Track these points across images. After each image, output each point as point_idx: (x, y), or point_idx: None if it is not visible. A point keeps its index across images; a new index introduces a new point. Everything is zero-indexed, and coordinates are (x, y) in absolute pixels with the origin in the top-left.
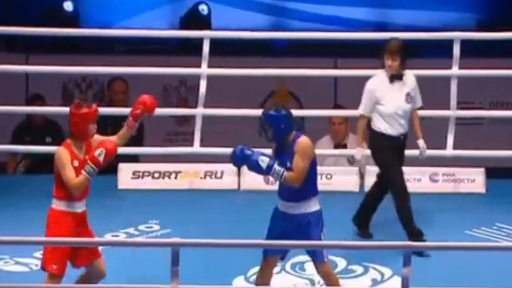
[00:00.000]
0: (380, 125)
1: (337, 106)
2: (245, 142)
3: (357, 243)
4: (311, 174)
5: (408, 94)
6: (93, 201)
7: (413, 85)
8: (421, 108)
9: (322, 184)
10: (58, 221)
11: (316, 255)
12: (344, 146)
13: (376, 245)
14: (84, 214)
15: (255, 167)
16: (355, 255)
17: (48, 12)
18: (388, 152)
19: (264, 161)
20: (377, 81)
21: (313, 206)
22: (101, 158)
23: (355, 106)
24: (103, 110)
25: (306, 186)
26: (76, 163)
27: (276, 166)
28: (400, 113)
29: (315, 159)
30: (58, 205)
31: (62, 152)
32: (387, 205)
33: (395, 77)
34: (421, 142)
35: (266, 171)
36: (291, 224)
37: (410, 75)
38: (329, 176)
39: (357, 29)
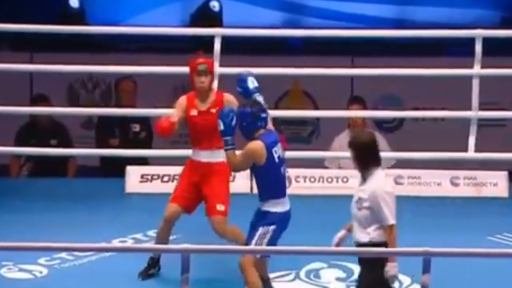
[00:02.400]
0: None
1: (355, 99)
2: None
3: (373, 249)
4: (268, 177)
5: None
6: (100, 205)
7: None
8: (442, 108)
9: (338, 187)
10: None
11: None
12: None
13: (393, 251)
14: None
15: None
16: None
17: (53, 9)
18: None
19: (227, 126)
20: None
21: (271, 207)
22: None
23: (372, 105)
24: (110, 111)
25: (265, 188)
26: (194, 112)
27: (229, 139)
28: None
29: (271, 164)
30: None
31: (179, 99)
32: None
33: None
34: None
35: (221, 134)
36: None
37: None
38: (345, 180)
39: (375, 27)
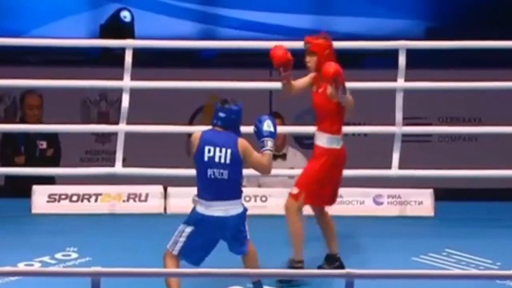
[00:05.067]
0: None
1: (274, 114)
2: (173, 161)
3: (297, 272)
4: (196, 171)
5: None
6: (5, 227)
7: None
8: (364, 124)
9: (257, 207)
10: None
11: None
12: (284, 156)
13: (317, 273)
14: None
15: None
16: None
17: None
18: None
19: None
20: None
21: (198, 205)
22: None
23: (290, 119)
24: (15, 127)
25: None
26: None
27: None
28: None
29: (199, 160)
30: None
31: None
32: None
33: None
34: None
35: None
36: None
37: None
38: (264, 199)
39: (293, 38)
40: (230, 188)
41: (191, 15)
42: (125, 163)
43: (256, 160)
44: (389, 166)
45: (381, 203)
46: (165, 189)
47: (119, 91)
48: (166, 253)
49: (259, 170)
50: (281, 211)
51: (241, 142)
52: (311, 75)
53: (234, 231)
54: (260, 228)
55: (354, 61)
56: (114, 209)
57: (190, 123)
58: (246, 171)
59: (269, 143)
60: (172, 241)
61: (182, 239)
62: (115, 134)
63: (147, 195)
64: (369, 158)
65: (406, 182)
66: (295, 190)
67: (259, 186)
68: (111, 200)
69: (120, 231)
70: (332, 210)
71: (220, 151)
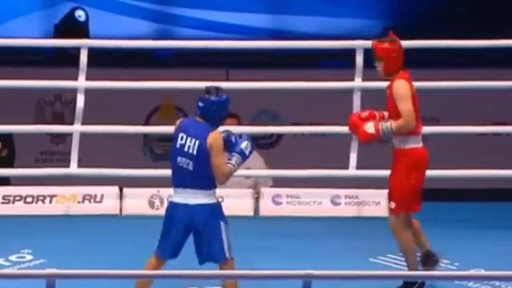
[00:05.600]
0: None
1: (232, 115)
2: (128, 162)
3: (254, 273)
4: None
5: None
6: None
7: None
8: (320, 123)
9: None
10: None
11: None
12: None
13: (273, 274)
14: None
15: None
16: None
17: None
18: None
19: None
20: None
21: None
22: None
23: (246, 119)
24: None
25: None
26: None
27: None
28: None
29: (173, 146)
30: None
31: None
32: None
33: None
34: None
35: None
36: None
37: None
38: (220, 199)
39: (251, 37)
40: (196, 179)
41: (146, 15)
42: (80, 164)
43: (218, 162)
44: (346, 167)
45: (339, 204)
46: (121, 190)
47: (74, 91)
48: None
49: (215, 173)
50: (239, 212)
51: (212, 136)
52: None
53: (205, 222)
54: None
55: (311, 61)
56: (69, 210)
57: (146, 123)
58: None
59: (237, 161)
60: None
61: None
62: (70, 135)
63: (102, 196)
64: (327, 158)
65: (364, 183)
66: (392, 205)
67: None
68: (66, 201)
69: (75, 233)
70: (288, 211)
71: (190, 141)
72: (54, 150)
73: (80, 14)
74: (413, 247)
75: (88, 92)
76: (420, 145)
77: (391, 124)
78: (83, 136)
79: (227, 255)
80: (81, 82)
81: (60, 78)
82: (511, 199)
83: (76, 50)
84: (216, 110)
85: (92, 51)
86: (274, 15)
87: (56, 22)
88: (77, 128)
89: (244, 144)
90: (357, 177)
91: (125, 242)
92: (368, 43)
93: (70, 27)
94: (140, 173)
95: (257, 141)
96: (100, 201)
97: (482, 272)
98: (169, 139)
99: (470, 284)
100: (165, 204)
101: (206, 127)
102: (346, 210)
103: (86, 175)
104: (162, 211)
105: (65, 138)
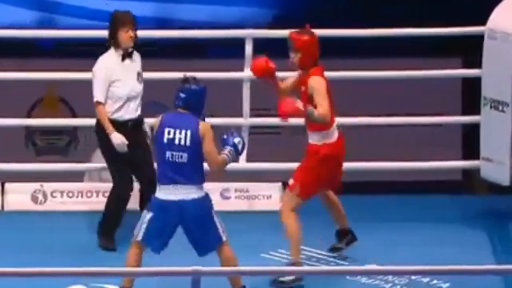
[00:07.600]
0: (111, 110)
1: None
2: (10, 156)
3: (143, 270)
4: (156, 154)
5: (139, 74)
6: None
7: (140, 63)
8: (211, 115)
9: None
10: None
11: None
12: None
13: (162, 272)
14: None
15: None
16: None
17: None
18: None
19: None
20: (110, 60)
21: (157, 191)
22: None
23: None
24: None
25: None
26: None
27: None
28: (134, 95)
29: (158, 142)
30: None
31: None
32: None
33: (128, 55)
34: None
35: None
36: None
37: (136, 53)
38: (106, 194)
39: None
40: (189, 172)
41: (27, 3)
42: None
43: (211, 149)
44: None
45: (229, 198)
46: (2, 185)
47: None
48: (132, 240)
49: (208, 160)
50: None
51: (204, 126)
52: (298, 73)
53: (197, 217)
54: None
55: (199, 50)
56: None
57: (29, 115)
58: (88, 165)
59: (230, 151)
60: (137, 228)
61: (144, 225)
62: None
63: None
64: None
65: (254, 176)
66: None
67: (101, 181)
68: None
69: None
70: None
71: (180, 133)
72: None
73: None
74: (297, 234)
75: None
76: (333, 140)
77: (313, 110)
78: None
79: (223, 238)
80: None
81: None
82: (411, 192)
83: None
84: (197, 98)
85: None
86: (161, 3)
87: None
88: None
89: (237, 140)
90: (247, 170)
91: (8, 240)
92: (258, 32)
93: None
94: (22, 167)
95: None
96: None
97: (368, 267)
98: (52, 132)
99: (363, 280)
100: (49, 199)
101: (192, 117)
102: (236, 204)
103: None
104: (45, 207)
105: None
